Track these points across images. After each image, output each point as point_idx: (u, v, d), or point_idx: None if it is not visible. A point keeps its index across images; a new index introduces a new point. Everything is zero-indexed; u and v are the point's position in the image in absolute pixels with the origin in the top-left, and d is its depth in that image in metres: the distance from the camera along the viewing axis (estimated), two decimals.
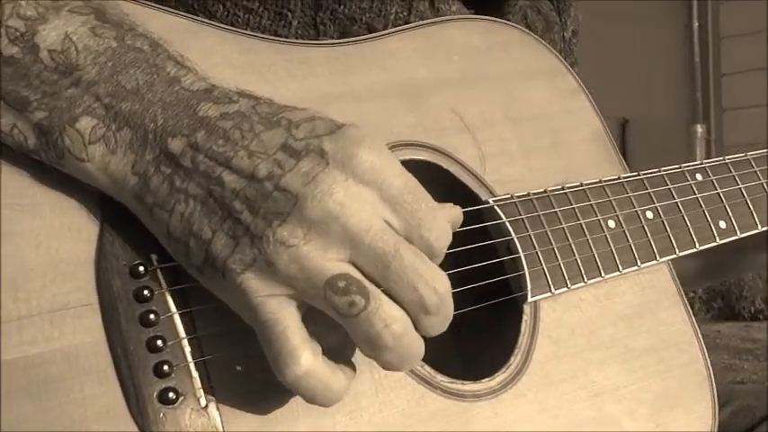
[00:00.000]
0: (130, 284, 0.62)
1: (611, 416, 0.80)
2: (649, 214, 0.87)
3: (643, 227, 0.86)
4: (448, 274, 0.62)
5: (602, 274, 0.82)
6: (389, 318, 0.59)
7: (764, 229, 0.93)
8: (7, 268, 0.59)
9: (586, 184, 0.85)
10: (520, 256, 0.78)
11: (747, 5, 7.15)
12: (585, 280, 0.81)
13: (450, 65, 0.86)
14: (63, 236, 0.62)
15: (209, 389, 0.62)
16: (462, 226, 0.70)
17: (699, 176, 0.92)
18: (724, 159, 0.94)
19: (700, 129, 7.54)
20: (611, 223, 0.84)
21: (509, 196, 0.80)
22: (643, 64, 7.52)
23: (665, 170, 0.90)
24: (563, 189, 0.83)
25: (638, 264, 0.84)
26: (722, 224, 0.91)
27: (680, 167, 0.91)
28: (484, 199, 0.80)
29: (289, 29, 0.84)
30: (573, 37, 1.06)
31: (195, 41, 0.71)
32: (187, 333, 0.62)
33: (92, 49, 0.61)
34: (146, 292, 0.62)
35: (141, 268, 0.62)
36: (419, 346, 0.62)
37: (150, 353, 0.61)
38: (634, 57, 7.48)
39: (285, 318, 0.59)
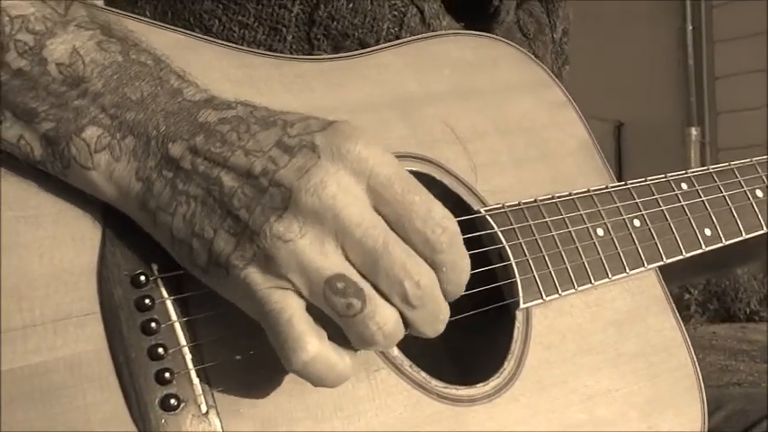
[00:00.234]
0: (132, 293, 0.63)
1: (602, 418, 0.81)
2: (637, 222, 0.88)
3: (631, 234, 0.87)
4: None
5: (592, 281, 0.83)
6: (383, 320, 0.61)
7: (748, 236, 0.94)
8: (11, 278, 0.60)
9: (575, 194, 0.86)
10: (511, 264, 0.79)
11: (741, 8, 7.15)
12: (576, 286, 0.82)
13: (441, 78, 0.87)
14: (66, 246, 0.62)
15: (209, 395, 0.63)
16: None
17: (684, 186, 0.93)
18: (708, 169, 0.96)
19: (694, 132, 7.54)
20: (600, 231, 0.85)
21: (500, 206, 0.81)
22: (637, 67, 7.52)
23: (651, 180, 0.91)
24: (553, 198, 0.84)
25: (627, 270, 0.86)
26: (707, 231, 0.92)
27: (665, 177, 0.92)
28: (476, 209, 0.81)
29: (283, 43, 0.85)
30: (563, 36, 1.07)
31: (195, 57, 0.72)
32: (188, 341, 0.63)
33: (98, 62, 0.62)
34: (147, 300, 0.63)
35: (142, 277, 0.63)
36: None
37: (152, 360, 0.62)
38: (628, 60, 7.48)
39: (290, 306, 0.60)
